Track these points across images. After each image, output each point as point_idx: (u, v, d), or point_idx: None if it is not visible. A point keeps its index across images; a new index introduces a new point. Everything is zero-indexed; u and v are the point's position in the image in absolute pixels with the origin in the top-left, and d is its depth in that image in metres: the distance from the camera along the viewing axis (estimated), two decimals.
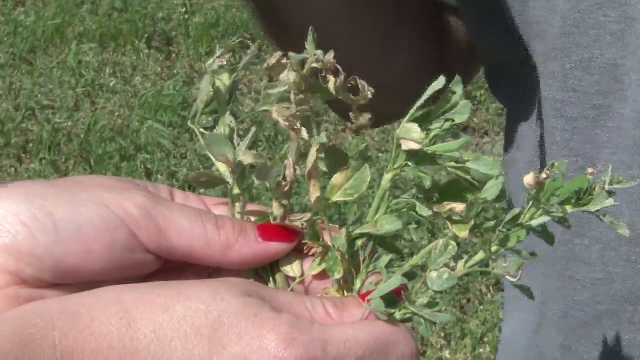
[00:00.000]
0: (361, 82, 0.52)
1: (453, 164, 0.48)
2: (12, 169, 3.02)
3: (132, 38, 3.66)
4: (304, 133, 0.51)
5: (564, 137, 0.75)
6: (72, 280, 0.50)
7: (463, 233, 0.48)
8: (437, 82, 0.49)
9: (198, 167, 3.06)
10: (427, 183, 0.48)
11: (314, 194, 0.51)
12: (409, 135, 0.48)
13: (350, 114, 0.54)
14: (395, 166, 0.50)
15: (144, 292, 0.48)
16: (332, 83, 0.51)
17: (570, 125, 0.74)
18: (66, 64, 3.49)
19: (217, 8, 3.84)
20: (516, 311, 0.85)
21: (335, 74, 0.52)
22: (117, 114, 3.27)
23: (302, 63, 0.51)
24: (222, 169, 0.55)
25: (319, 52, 0.51)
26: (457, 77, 0.50)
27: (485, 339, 2.55)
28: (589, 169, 0.46)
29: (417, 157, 0.49)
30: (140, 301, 0.47)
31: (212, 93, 0.55)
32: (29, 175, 2.98)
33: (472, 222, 0.49)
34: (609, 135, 0.72)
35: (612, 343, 0.77)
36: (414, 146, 0.47)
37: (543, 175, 0.46)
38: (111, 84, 3.42)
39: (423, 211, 0.49)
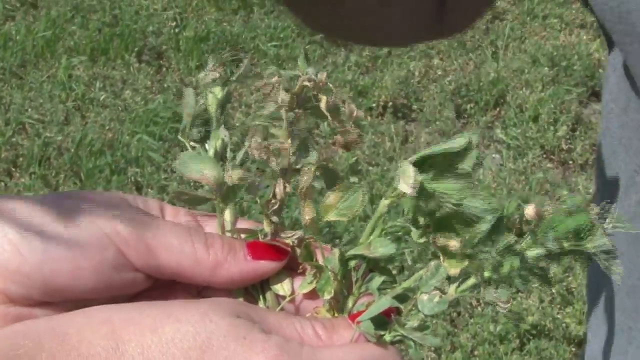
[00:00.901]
0: (350, 107, 0.52)
1: (450, 204, 0.47)
2: (2, 184, 3.01)
3: (122, 52, 3.66)
4: (273, 165, 0.52)
5: None
6: (61, 299, 0.50)
7: (454, 270, 0.48)
8: (460, 141, 0.48)
9: (188, 182, 3.06)
10: (421, 220, 0.48)
11: (308, 214, 0.51)
12: (404, 176, 0.47)
13: (338, 135, 0.54)
14: (393, 193, 0.50)
15: (133, 312, 0.48)
16: (324, 102, 0.51)
17: None
18: (56, 77, 3.48)
19: (207, 22, 3.84)
20: (602, 327, 0.83)
21: (327, 92, 0.52)
22: (107, 127, 3.26)
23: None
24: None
25: (311, 71, 0.51)
26: (474, 132, 0.49)
27: (476, 352, 2.55)
28: (595, 209, 0.46)
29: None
30: (129, 322, 0.47)
31: (201, 106, 0.55)
32: (19, 189, 2.97)
33: (465, 263, 0.48)
34: None
35: None
36: (405, 189, 0.47)
37: (546, 208, 0.45)
38: (101, 98, 3.41)
39: (417, 236, 0.49)
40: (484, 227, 0.46)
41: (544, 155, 3.26)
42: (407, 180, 0.46)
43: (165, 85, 3.51)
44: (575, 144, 3.28)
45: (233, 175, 0.53)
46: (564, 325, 2.60)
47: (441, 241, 0.48)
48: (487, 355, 2.53)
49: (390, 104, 3.43)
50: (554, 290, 2.67)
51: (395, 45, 0.86)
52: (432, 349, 2.54)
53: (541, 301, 2.67)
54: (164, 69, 3.64)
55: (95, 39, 3.69)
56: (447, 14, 0.83)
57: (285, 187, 0.53)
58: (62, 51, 3.63)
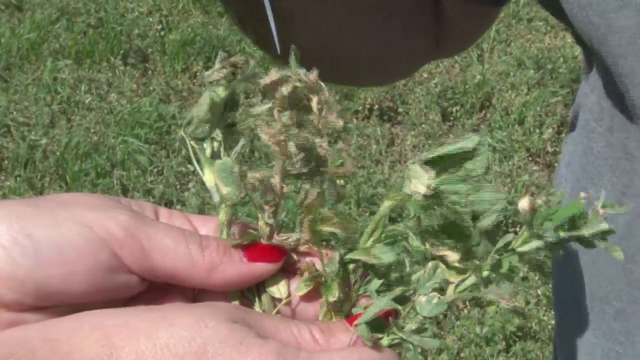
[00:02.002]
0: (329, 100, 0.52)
1: (455, 200, 0.47)
2: None
3: (107, 55, 3.65)
4: (292, 149, 0.51)
5: None
6: (55, 303, 0.49)
7: (454, 279, 0.48)
8: (468, 142, 0.47)
9: (174, 184, 3.05)
10: (425, 222, 0.48)
11: (307, 234, 0.50)
12: (419, 179, 0.47)
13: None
14: (397, 195, 0.50)
15: (126, 317, 0.47)
16: (314, 102, 0.51)
17: None
18: (41, 80, 3.47)
19: (193, 25, 3.83)
20: (577, 355, 0.82)
21: (318, 92, 0.51)
22: (92, 130, 3.25)
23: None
24: (210, 184, 0.54)
25: (302, 71, 0.51)
26: (484, 129, 0.49)
27: (462, 355, 2.55)
28: (582, 194, 0.46)
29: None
30: (123, 327, 0.47)
31: (204, 106, 0.54)
32: (4, 192, 2.96)
33: (466, 274, 0.48)
34: None
35: None
36: (421, 189, 0.46)
37: (539, 201, 0.45)
38: (87, 101, 3.40)
39: (415, 244, 0.49)
40: (487, 221, 0.46)
41: (530, 158, 3.27)
42: (422, 181, 0.46)
43: (151, 88, 3.50)
44: (561, 146, 3.29)
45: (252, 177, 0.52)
46: (549, 327, 2.61)
47: (440, 252, 0.48)
48: (474, 357, 2.53)
49: (376, 106, 3.43)
50: (539, 292, 2.68)
51: (399, 79, 0.87)
52: (419, 350, 2.54)
53: (527, 303, 2.68)
54: (150, 72, 3.63)
55: (80, 42, 3.68)
56: (443, 42, 0.83)
57: (282, 188, 0.52)
58: (47, 54, 3.62)
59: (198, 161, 0.55)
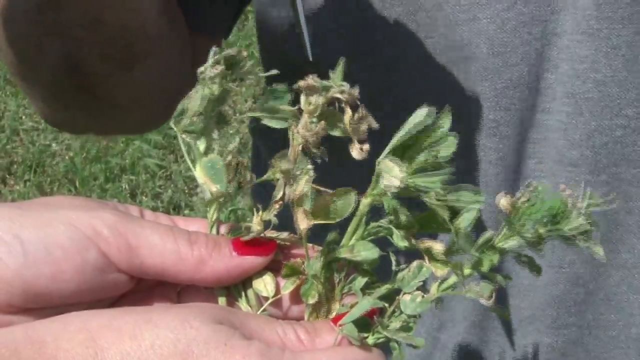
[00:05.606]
0: (365, 114, 0.51)
1: (433, 198, 0.46)
2: None
3: None
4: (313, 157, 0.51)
5: (498, 155, 0.76)
6: (43, 304, 0.49)
7: (440, 272, 0.48)
8: (421, 115, 0.47)
9: (183, 189, 3.05)
10: (402, 218, 0.47)
11: (304, 223, 0.50)
12: (391, 172, 0.46)
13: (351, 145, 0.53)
14: (374, 191, 0.49)
15: (111, 318, 0.47)
16: (348, 116, 0.50)
17: (503, 143, 0.76)
18: None
19: None
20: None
21: (354, 108, 0.51)
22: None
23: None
24: (201, 180, 0.54)
25: (346, 84, 0.50)
26: (446, 107, 0.49)
27: None
28: (563, 188, 0.45)
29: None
30: (108, 328, 0.46)
31: (198, 101, 0.53)
32: (13, 197, 2.96)
33: (452, 265, 0.48)
34: (534, 146, 0.76)
35: (534, 348, 0.79)
36: (395, 183, 0.46)
37: (521, 198, 0.45)
38: None
39: (400, 241, 0.48)
40: (465, 221, 0.46)
41: None
42: (394, 174, 0.45)
43: None
44: None
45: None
46: None
47: (425, 244, 0.47)
48: None
49: None
50: None
51: (161, 121, 0.88)
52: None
53: None
54: None
55: None
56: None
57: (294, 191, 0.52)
58: None
59: (191, 157, 0.55)
